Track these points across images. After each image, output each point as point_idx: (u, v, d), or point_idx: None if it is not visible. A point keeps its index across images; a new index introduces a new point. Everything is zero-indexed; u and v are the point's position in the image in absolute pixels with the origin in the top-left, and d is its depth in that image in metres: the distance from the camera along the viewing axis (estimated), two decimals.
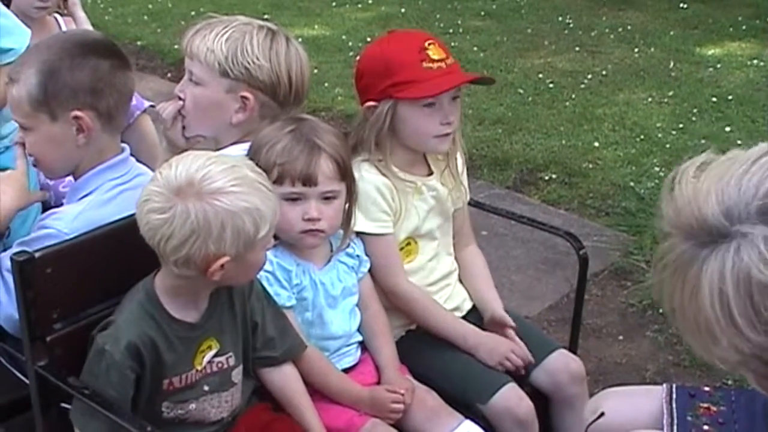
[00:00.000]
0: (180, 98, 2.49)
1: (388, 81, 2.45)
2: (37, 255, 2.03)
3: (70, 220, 2.22)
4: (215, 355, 2.16)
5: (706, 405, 2.14)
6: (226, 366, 2.18)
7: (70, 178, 2.41)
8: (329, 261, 2.43)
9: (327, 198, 2.30)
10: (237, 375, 2.22)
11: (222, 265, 1.97)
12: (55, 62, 2.24)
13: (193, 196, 1.93)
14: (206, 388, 2.16)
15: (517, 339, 2.60)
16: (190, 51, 2.43)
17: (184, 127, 2.51)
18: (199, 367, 2.13)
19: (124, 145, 2.40)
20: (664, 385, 2.21)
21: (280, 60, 2.40)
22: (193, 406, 2.15)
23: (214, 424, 2.20)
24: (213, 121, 2.46)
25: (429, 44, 2.48)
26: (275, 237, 2.27)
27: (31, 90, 2.23)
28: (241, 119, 2.42)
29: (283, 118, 2.35)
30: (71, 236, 2.15)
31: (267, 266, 2.28)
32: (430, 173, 2.65)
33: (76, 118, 2.24)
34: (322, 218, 2.29)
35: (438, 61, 2.46)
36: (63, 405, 2.15)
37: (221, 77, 2.39)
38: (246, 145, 2.36)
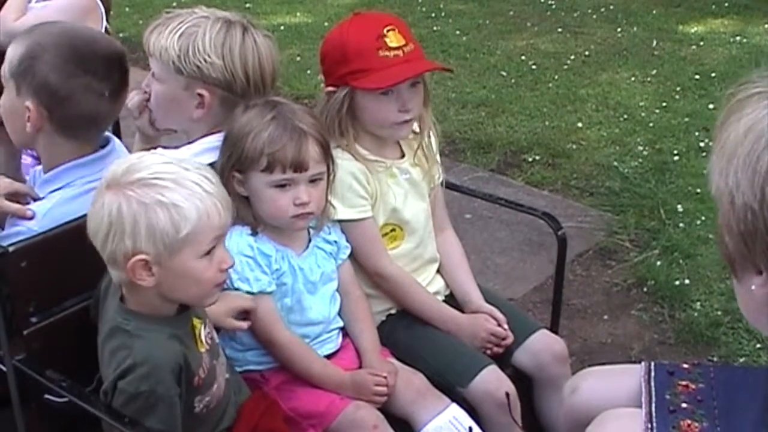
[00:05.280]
0: (146, 92, 2.50)
1: (344, 68, 2.45)
2: (11, 249, 2.03)
3: (39, 218, 2.22)
4: (203, 330, 2.11)
5: (684, 383, 2.14)
6: (211, 334, 2.14)
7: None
8: (308, 247, 2.43)
9: (313, 180, 2.32)
10: (215, 335, 2.18)
11: (145, 266, 1.86)
12: (38, 51, 2.24)
13: (115, 187, 1.85)
14: (214, 362, 2.11)
15: (498, 328, 2.60)
16: (148, 49, 2.42)
17: (153, 119, 2.53)
18: (202, 350, 2.08)
19: (110, 136, 2.41)
20: (643, 363, 2.20)
21: (234, 55, 2.37)
22: (215, 387, 2.09)
23: (225, 410, 2.15)
24: (176, 116, 2.46)
25: (388, 30, 2.45)
26: (258, 223, 2.31)
27: (13, 59, 2.28)
28: (200, 115, 2.40)
29: (258, 103, 2.33)
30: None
31: (248, 251, 2.30)
32: (403, 156, 2.64)
33: (27, 108, 2.26)
34: (311, 201, 2.30)
35: (395, 48, 2.44)
36: (47, 397, 2.14)
37: (177, 74, 2.37)
38: (216, 137, 2.36)
